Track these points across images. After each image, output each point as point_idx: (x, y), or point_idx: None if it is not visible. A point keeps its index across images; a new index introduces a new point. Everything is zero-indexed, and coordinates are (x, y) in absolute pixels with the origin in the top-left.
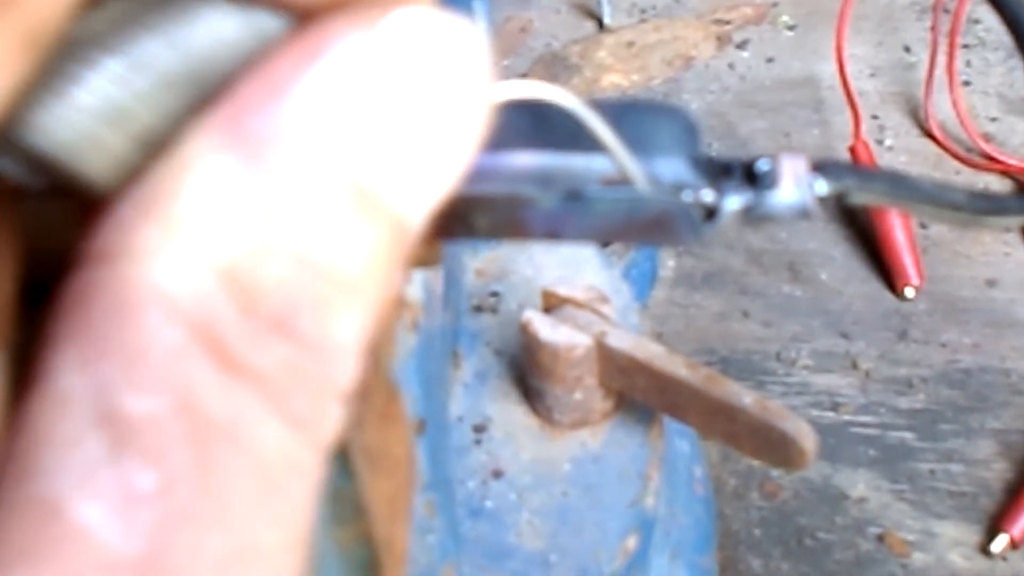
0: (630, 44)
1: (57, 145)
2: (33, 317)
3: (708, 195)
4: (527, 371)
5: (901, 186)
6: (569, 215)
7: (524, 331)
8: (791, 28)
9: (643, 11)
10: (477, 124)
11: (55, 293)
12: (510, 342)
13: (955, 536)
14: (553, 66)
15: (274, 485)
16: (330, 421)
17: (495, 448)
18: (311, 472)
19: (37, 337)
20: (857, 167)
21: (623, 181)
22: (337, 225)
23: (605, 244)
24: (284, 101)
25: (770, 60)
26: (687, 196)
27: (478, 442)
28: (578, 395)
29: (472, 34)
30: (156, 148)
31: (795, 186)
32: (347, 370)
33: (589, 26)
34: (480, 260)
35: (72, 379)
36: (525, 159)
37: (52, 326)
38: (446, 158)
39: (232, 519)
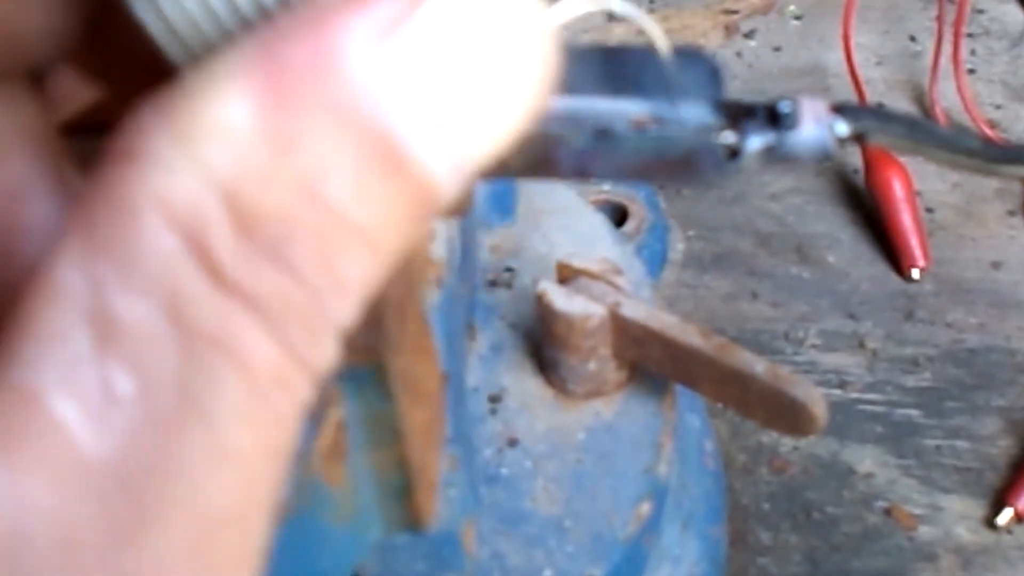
0: (640, 33)
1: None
2: None
3: (730, 136)
4: (542, 342)
5: (919, 130)
6: (599, 153)
7: (539, 301)
8: (798, 18)
9: (652, 0)
10: (526, 96)
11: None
12: (524, 316)
13: (961, 510)
14: None
15: (259, 395)
16: (324, 353)
17: (510, 417)
18: (299, 391)
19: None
20: (877, 109)
21: (651, 123)
22: (351, 170)
23: (632, 182)
24: (320, 40)
25: (777, 49)
26: (711, 136)
27: (493, 411)
28: (592, 365)
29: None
30: (203, 60)
31: (815, 127)
32: (345, 311)
33: (599, 15)
34: (495, 236)
35: (70, 273)
36: (555, 102)
37: (67, 220)
38: (483, 124)
39: (212, 422)
